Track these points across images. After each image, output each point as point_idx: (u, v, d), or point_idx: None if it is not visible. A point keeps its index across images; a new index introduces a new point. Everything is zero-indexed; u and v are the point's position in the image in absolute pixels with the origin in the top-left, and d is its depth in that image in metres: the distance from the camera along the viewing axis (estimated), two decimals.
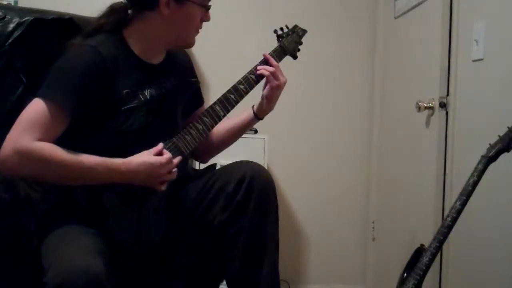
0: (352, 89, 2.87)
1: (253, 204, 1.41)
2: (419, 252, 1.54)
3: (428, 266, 1.47)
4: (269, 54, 1.58)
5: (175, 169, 1.39)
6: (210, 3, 1.48)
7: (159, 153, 1.37)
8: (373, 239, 2.83)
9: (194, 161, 1.89)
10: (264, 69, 1.55)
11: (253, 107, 1.62)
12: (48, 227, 1.32)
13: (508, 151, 1.44)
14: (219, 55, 2.72)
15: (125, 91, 1.38)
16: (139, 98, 1.40)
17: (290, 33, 1.66)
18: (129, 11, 1.46)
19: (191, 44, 1.51)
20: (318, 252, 2.87)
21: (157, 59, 1.48)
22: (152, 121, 1.42)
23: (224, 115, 1.52)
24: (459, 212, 1.44)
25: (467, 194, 1.43)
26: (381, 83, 2.79)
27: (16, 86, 1.58)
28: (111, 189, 1.33)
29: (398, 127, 2.55)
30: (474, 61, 1.85)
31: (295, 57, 1.67)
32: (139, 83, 1.42)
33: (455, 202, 1.45)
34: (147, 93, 1.42)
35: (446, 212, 1.55)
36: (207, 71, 2.67)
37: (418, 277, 1.47)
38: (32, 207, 1.44)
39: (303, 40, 1.69)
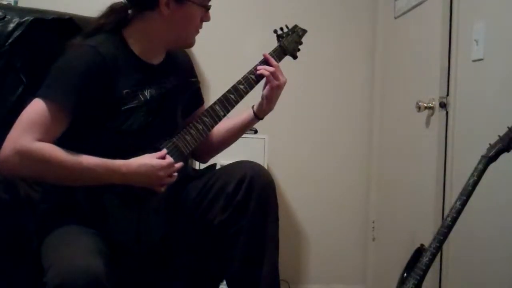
0: (352, 89, 2.87)
1: (253, 204, 1.41)
2: (419, 252, 1.54)
3: (428, 266, 1.47)
4: (269, 54, 1.58)
5: (175, 173, 1.39)
6: (210, 3, 1.48)
7: (162, 158, 1.38)
8: (373, 239, 2.83)
9: (194, 161, 1.89)
10: (264, 69, 1.55)
11: (253, 107, 1.62)
12: (48, 227, 1.32)
13: (508, 151, 1.44)
14: (219, 55, 2.72)
15: (125, 91, 1.38)
16: (139, 98, 1.40)
17: (290, 33, 1.66)
18: (129, 11, 1.46)
19: (191, 44, 1.51)
20: (318, 252, 2.87)
21: (157, 59, 1.48)
22: (152, 121, 1.42)
23: (224, 115, 1.52)
24: (459, 212, 1.44)
25: (467, 194, 1.43)
26: (381, 83, 2.79)
27: (16, 86, 1.58)
28: (111, 189, 1.33)
29: (398, 127, 2.55)
30: (474, 61, 1.85)
31: (295, 57, 1.67)
32: (139, 83, 1.42)
33: (455, 202, 1.45)
34: (147, 93, 1.42)
35: (446, 212, 1.55)
36: (207, 71, 2.67)
37: (418, 277, 1.47)
38: (32, 207, 1.44)
39: (303, 40, 1.69)
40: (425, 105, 2.09)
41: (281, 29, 1.65)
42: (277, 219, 1.46)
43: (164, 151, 1.40)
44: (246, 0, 2.82)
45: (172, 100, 1.50)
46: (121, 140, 1.38)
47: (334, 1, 2.86)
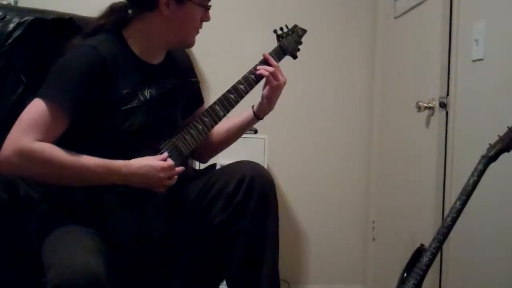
0: (352, 89, 2.87)
1: (253, 204, 1.41)
2: (419, 252, 1.53)
3: (428, 266, 1.47)
4: (268, 54, 1.58)
5: (175, 176, 1.40)
6: (210, 3, 1.48)
7: (163, 160, 1.38)
8: (373, 239, 2.83)
9: (194, 161, 1.89)
10: (263, 69, 1.55)
11: (253, 107, 1.62)
12: (48, 227, 1.32)
13: (508, 151, 1.44)
14: (219, 55, 2.72)
15: (125, 91, 1.38)
16: (139, 98, 1.40)
17: (290, 33, 1.66)
18: (129, 11, 1.46)
19: (191, 44, 1.51)
20: (318, 252, 2.87)
21: (157, 59, 1.48)
22: (152, 121, 1.42)
23: (224, 115, 1.52)
24: (459, 212, 1.44)
25: (467, 194, 1.43)
26: (381, 83, 2.79)
27: (16, 86, 1.58)
28: (111, 189, 1.33)
29: (398, 127, 2.55)
30: (474, 61, 1.85)
31: (295, 57, 1.67)
32: (139, 83, 1.42)
33: (455, 202, 1.45)
34: (147, 93, 1.42)
35: (446, 212, 1.55)
36: (207, 71, 2.67)
37: (418, 277, 1.47)
38: (32, 207, 1.44)
39: (303, 40, 1.69)
40: (425, 105, 2.09)
41: (281, 29, 1.65)
42: (277, 219, 1.46)
43: (165, 154, 1.40)
44: (246, 0, 2.82)
45: (172, 100, 1.50)
46: (121, 140, 1.38)
47: (334, 1, 2.86)
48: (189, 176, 1.53)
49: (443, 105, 2.02)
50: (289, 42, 1.64)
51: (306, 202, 2.85)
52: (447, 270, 1.99)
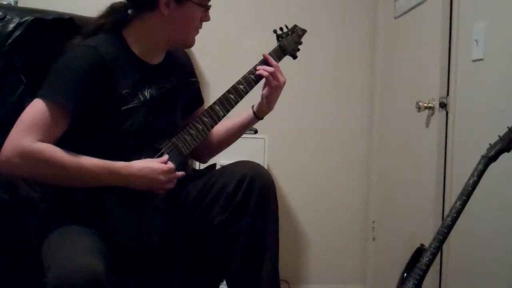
0: (352, 89, 2.87)
1: (253, 204, 1.41)
2: (419, 252, 1.53)
3: (428, 266, 1.47)
4: (268, 54, 1.58)
5: (175, 180, 1.40)
6: (210, 3, 1.48)
7: (164, 163, 1.38)
8: (373, 239, 2.83)
9: (194, 161, 1.89)
10: (263, 69, 1.55)
11: (253, 107, 1.62)
12: (48, 227, 1.32)
13: (508, 151, 1.44)
14: (219, 55, 2.72)
15: (125, 91, 1.38)
16: (139, 98, 1.40)
17: (289, 33, 1.66)
18: (129, 11, 1.46)
19: (191, 44, 1.51)
20: (318, 252, 2.87)
21: (157, 59, 1.48)
22: (152, 121, 1.42)
23: (224, 115, 1.52)
24: (459, 212, 1.44)
25: (467, 194, 1.43)
26: (381, 83, 2.79)
27: (16, 86, 1.58)
28: (111, 190, 1.33)
29: (398, 127, 2.55)
30: (474, 61, 1.85)
31: (294, 57, 1.67)
32: (139, 83, 1.42)
33: (455, 202, 1.45)
34: (146, 93, 1.42)
35: (446, 212, 1.55)
36: (207, 71, 2.67)
37: (418, 277, 1.47)
38: (32, 207, 1.44)
39: (302, 40, 1.68)
40: (425, 105, 2.09)
41: (281, 29, 1.65)
42: (277, 219, 1.46)
43: (166, 156, 1.40)
44: (246, 0, 2.82)
45: (172, 100, 1.50)
46: (121, 140, 1.38)
47: (334, 1, 2.86)
48: (189, 176, 1.53)
49: (443, 105, 2.02)
50: (289, 42, 1.64)
51: (306, 202, 2.85)
52: (447, 270, 1.99)
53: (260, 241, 1.42)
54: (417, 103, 2.11)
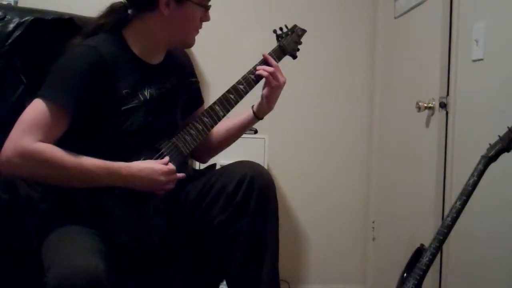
0: (352, 89, 2.87)
1: (253, 204, 1.41)
2: (419, 252, 1.53)
3: (428, 266, 1.47)
4: (268, 54, 1.58)
5: (175, 181, 1.40)
6: (210, 3, 1.48)
7: (164, 164, 1.38)
8: (373, 239, 2.83)
9: (194, 161, 1.89)
10: (263, 70, 1.55)
11: (252, 107, 1.62)
12: (48, 227, 1.32)
13: (508, 151, 1.44)
14: (219, 55, 2.72)
15: (125, 91, 1.38)
16: (138, 98, 1.40)
17: (289, 33, 1.66)
18: (129, 11, 1.46)
19: (191, 44, 1.51)
20: (318, 252, 2.87)
21: (157, 59, 1.48)
22: (152, 121, 1.42)
23: (224, 115, 1.52)
24: (459, 212, 1.44)
25: (467, 194, 1.43)
26: (381, 83, 2.79)
27: (16, 86, 1.58)
28: (111, 190, 1.33)
29: (398, 127, 2.55)
30: (474, 61, 1.85)
31: (294, 57, 1.67)
32: (138, 83, 1.42)
33: (455, 202, 1.45)
34: (146, 93, 1.42)
35: (446, 212, 1.55)
36: (207, 71, 2.67)
37: (418, 277, 1.47)
38: (32, 207, 1.44)
39: (302, 40, 1.68)
40: (425, 105, 2.09)
41: (281, 29, 1.65)
42: (277, 219, 1.46)
43: (167, 158, 1.40)
44: (246, 0, 2.82)
45: (172, 100, 1.50)
46: (121, 140, 1.38)
47: (334, 1, 2.86)
48: (189, 176, 1.53)
49: (443, 105, 2.02)
50: (288, 42, 1.64)
51: (306, 202, 2.84)
52: (447, 270, 1.99)
53: (260, 241, 1.42)
54: (417, 103, 2.11)
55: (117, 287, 1.18)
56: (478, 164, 1.45)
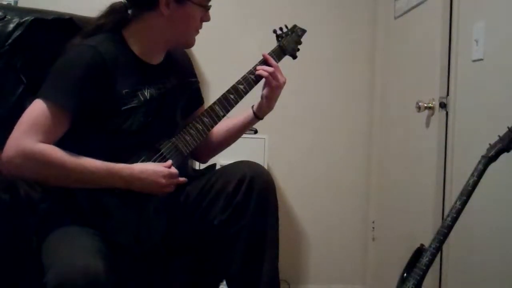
0: (352, 89, 2.87)
1: (253, 204, 1.41)
2: (419, 252, 1.53)
3: (428, 266, 1.47)
4: (268, 54, 1.58)
5: (175, 183, 1.40)
6: (210, 3, 1.48)
7: (167, 167, 1.39)
8: (373, 239, 2.83)
9: (194, 161, 1.89)
10: (263, 70, 1.55)
11: (253, 107, 1.62)
12: (48, 227, 1.32)
13: (508, 151, 1.44)
14: (219, 55, 2.72)
15: (124, 91, 1.38)
16: (138, 98, 1.40)
17: (289, 33, 1.66)
18: (129, 11, 1.46)
19: (191, 44, 1.51)
20: (318, 252, 2.87)
21: (157, 59, 1.48)
22: (152, 121, 1.42)
23: (224, 115, 1.52)
24: (459, 212, 1.44)
25: (467, 194, 1.43)
26: (381, 83, 2.79)
27: (16, 86, 1.58)
28: (111, 190, 1.33)
29: (398, 127, 2.55)
30: (474, 61, 1.85)
31: (294, 57, 1.67)
32: (138, 83, 1.42)
33: (455, 202, 1.45)
34: (146, 93, 1.42)
35: (446, 212, 1.55)
36: (207, 71, 2.67)
37: (418, 277, 1.47)
38: (32, 207, 1.44)
39: (302, 40, 1.68)
40: (425, 105, 2.09)
41: (281, 29, 1.65)
42: (277, 219, 1.46)
43: (170, 161, 1.40)
44: (246, 0, 2.82)
45: (172, 100, 1.50)
46: (121, 140, 1.38)
47: (334, 1, 2.86)
48: (189, 176, 1.53)
49: (443, 105, 2.02)
50: (288, 42, 1.64)
51: (306, 202, 2.85)
52: (447, 270, 1.99)
53: (260, 241, 1.42)
54: (417, 103, 2.11)
55: (117, 287, 1.18)
56: (478, 164, 1.45)
